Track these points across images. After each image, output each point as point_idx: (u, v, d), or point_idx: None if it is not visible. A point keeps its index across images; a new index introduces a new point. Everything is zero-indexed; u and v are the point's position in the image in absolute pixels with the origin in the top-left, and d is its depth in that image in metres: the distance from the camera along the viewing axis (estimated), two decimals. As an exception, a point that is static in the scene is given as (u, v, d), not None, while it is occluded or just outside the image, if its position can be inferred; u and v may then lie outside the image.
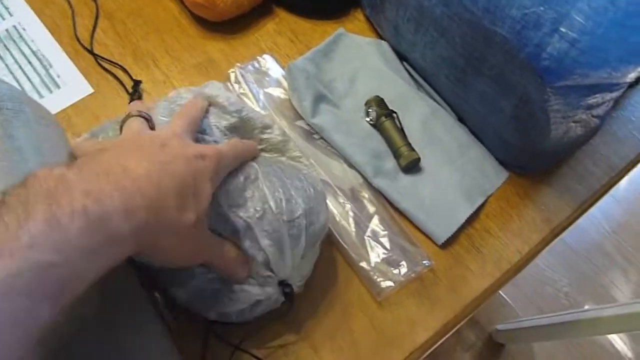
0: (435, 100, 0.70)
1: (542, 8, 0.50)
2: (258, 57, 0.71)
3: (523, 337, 0.98)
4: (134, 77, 0.71)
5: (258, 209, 0.49)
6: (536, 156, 0.64)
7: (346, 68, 0.72)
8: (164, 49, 0.74)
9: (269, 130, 0.56)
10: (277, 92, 0.69)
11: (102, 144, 0.45)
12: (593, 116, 0.60)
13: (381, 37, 0.75)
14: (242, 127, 0.56)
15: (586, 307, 0.84)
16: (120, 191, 0.35)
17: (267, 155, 0.57)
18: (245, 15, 0.76)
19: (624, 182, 1.83)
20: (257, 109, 0.67)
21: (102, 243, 0.34)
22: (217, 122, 0.54)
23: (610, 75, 0.51)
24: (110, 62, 0.72)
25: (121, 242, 0.35)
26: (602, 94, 0.56)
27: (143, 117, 0.50)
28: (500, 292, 1.00)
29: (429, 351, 0.59)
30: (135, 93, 0.70)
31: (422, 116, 0.68)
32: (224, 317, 0.52)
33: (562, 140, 0.62)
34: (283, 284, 0.52)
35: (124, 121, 0.50)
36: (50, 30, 0.74)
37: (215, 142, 0.53)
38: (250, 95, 0.68)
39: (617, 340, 1.48)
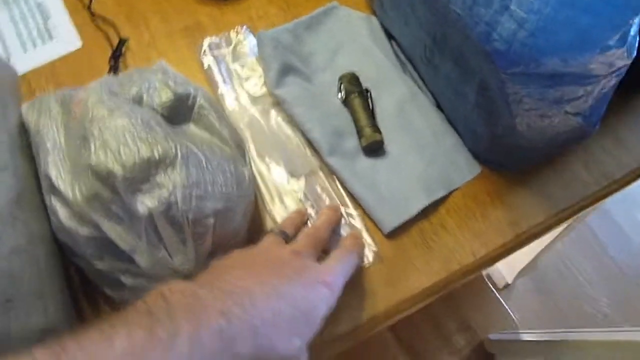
0: (417, 84, 0.66)
1: (493, -18, 0.45)
2: (231, 31, 0.70)
3: (517, 350, 0.91)
4: (122, 36, 0.72)
5: (163, 199, 0.46)
6: (509, 151, 0.59)
7: (331, 41, 0.69)
8: (156, 10, 0.74)
9: (206, 112, 0.55)
10: (245, 66, 0.67)
11: (232, 259, 0.47)
12: (569, 113, 0.53)
13: (374, 13, 0.71)
14: (179, 106, 0.55)
15: (587, 328, 0.76)
16: (245, 313, 0.37)
17: (199, 132, 0.55)
18: (243, -19, 0.75)
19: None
20: (221, 82, 0.66)
21: None
22: (153, 100, 0.54)
23: (566, 63, 0.45)
24: (104, 19, 0.73)
25: None
26: (570, 87, 0.49)
27: (282, 237, 0.52)
28: (504, 302, 0.93)
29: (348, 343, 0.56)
30: (118, 51, 0.70)
31: (400, 98, 0.64)
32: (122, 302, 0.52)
33: (537, 136, 0.55)
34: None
35: (268, 235, 0.52)
36: (55, -16, 0.77)
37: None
38: (214, 69, 0.67)
39: None
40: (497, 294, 0.93)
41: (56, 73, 0.70)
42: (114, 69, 0.69)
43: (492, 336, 0.94)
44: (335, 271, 0.47)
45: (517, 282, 1.49)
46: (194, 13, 0.73)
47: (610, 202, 1.60)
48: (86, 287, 0.56)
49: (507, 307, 0.91)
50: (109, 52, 0.70)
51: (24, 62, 0.70)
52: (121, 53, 0.70)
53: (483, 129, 0.57)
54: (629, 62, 0.50)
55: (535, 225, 0.59)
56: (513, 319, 0.91)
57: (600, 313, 1.45)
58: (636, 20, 0.45)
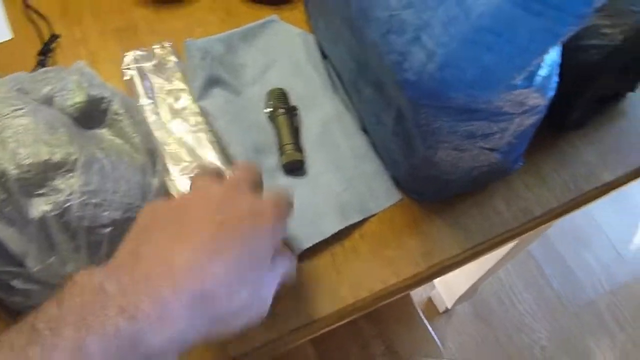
0: (346, 105, 0.65)
1: (406, 12, 0.44)
2: (155, 45, 0.68)
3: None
4: (54, 32, 0.70)
5: (58, 204, 0.45)
6: (428, 181, 0.58)
7: (264, 55, 0.68)
8: (91, 8, 0.72)
9: (120, 117, 0.54)
10: (168, 81, 0.65)
11: (158, 213, 0.40)
12: (483, 148, 0.53)
13: (312, 31, 0.71)
14: (92, 109, 0.53)
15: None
16: (156, 304, 0.33)
17: (111, 138, 0.54)
18: (186, -13, 0.74)
19: (637, 239, 1.68)
20: (142, 95, 0.64)
21: None
22: (65, 101, 0.53)
23: (473, 99, 0.45)
24: (38, 12, 0.71)
25: (157, 356, 0.33)
26: (482, 122, 0.49)
27: (213, 172, 0.45)
28: (431, 328, 0.93)
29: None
30: (47, 46, 0.68)
31: (326, 118, 0.63)
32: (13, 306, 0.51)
33: (452, 168, 0.55)
34: None
35: (195, 178, 0.45)
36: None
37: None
38: (137, 81, 0.65)
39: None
40: (425, 322, 0.93)
41: (-20, 63, 0.68)
42: (42, 64, 0.67)
43: (417, 362, 0.94)
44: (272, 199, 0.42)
45: (457, 308, 1.49)
46: (129, 14, 0.72)
47: (556, 236, 1.61)
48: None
49: (434, 334, 0.91)
50: (39, 47, 0.69)
51: (-51, 49, 0.68)
52: (50, 49, 0.68)
53: (401, 158, 0.57)
54: (544, 101, 0.50)
55: (449, 258, 0.59)
56: (438, 347, 0.91)
57: (538, 345, 1.46)
58: (545, 62, 0.45)
